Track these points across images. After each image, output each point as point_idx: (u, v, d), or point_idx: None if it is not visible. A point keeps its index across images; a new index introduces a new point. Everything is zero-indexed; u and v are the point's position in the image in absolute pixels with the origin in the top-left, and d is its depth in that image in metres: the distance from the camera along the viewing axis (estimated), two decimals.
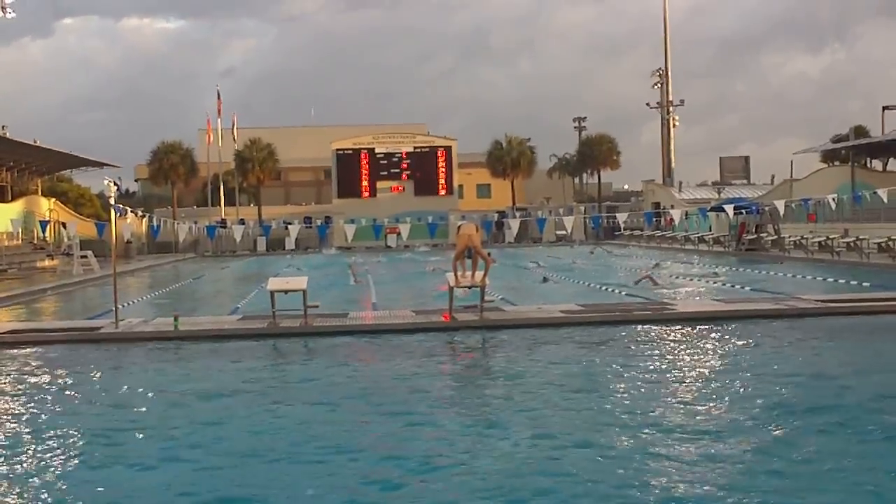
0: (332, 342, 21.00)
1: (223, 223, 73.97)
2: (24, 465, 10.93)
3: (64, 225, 60.15)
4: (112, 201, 25.65)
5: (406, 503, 9.22)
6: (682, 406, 13.08)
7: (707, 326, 21.74)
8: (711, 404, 13.17)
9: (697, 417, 12.33)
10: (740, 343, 19.38)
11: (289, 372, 17.57)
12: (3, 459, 11.14)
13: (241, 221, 74.37)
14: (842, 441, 11.10)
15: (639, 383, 14.85)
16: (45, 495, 9.70)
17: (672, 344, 19.45)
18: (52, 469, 10.73)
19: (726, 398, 13.59)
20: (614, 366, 16.67)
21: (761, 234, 54.40)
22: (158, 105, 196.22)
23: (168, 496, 9.68)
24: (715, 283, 34.18)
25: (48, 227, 59.93)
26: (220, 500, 9.51)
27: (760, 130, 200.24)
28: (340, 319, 24.07)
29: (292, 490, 9.73)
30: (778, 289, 29.85)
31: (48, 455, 11.32)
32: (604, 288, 32.87)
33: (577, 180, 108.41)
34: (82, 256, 49.25)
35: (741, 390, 14.18)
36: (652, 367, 16.42)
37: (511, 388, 14.75)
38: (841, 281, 32.29)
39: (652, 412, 12.64)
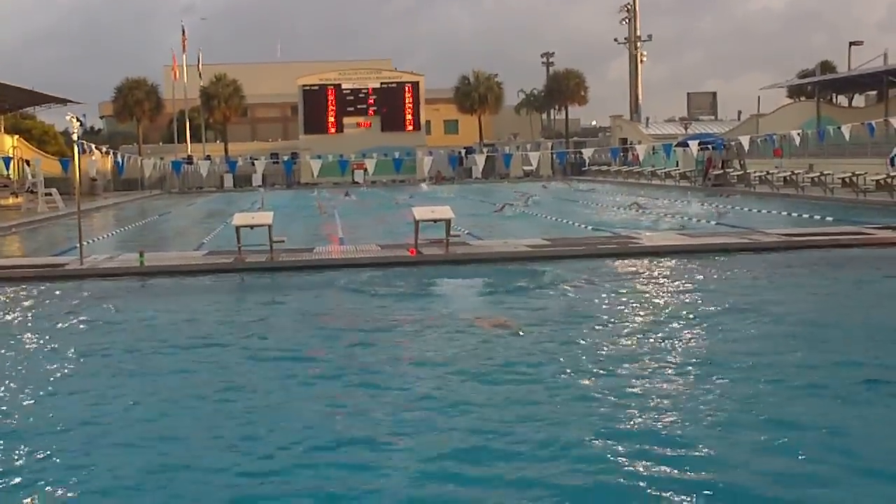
0: (297, 277, 21.09)
1: (189, 160, 73.43)
2: None
3: (28, 162, 59.52)
4: (75, 138, 25.42)
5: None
6: (643, 337, 13.24)
7: (671, 260, 21.92)
8: (673, 336, 13.35)
9: (659, 345, 12.52)
10: (701, 276, 19.58)
11: (251, 306, 17.62)
12: None
13: (208, 158, 73.91)
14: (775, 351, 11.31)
15: (604, 316, 14.98)
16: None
17: (636, 276, 19.62)
18: (15, 396, 10.79)
19: (686, 330, 13.80)
20: (580, 298, 16.81)
21: (727, 170, 54.64)
22: (123, 42, 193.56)
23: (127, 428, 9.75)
24: (681, 217, 34.36)
25: (11, 164, 59.21)
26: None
27: (727, 66, 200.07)
28: (306, 254, 24.09)
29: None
30: (743, 223, 30.05)
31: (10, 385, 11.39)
32: (568, 223, 32.98)
33: (544, 116, 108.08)
34: (47, 194, 48.89)
35: (699, 321, 14.37)
36: (616, 299, 16.58)
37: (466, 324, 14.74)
38: (805, 215, 32.53)
39: (615, 345, 12.79)
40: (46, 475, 8.27)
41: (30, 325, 16.12)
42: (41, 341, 14.52)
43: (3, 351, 13.78)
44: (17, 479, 8.17)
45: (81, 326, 15.80)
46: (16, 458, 8.77)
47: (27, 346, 14.15)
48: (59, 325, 16.06)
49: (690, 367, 11.38)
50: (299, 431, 9.34)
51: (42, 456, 8.80)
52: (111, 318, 16.56)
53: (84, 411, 10.36)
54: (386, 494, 7.63)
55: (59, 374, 12.15)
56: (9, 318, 16.83)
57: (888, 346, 12.67)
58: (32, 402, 10.81)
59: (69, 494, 7.84)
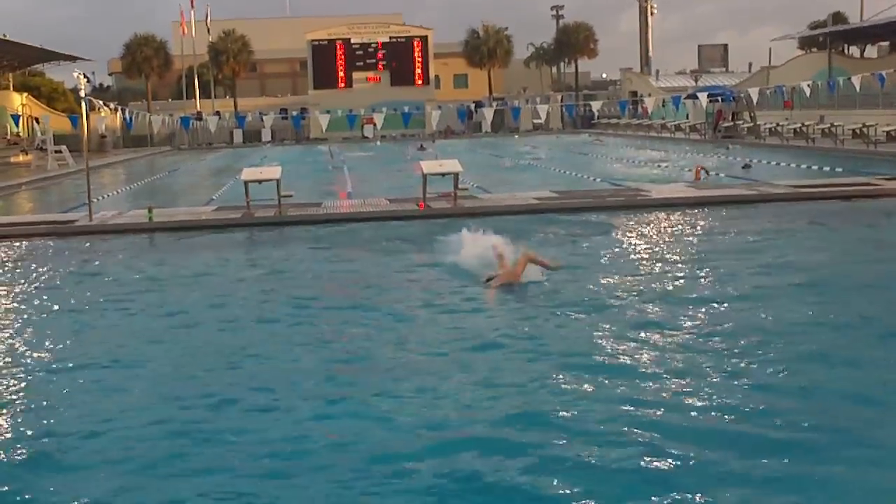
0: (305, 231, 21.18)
1: (199, 116, 73.36)
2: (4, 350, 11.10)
3: (37, 120, 59.62)
4: (83, 94, 25.43)
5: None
6: (655, 284, 13.29)
7: (680, 212, 21.94)
8: (683, 282, 13.42)
9: (671, 291, 12.57)
10: (708, 227, 19.63)
11: (260, 260, 17.70)
12: None
13: (217, 114, 73.79)
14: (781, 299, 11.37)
15: (614, 268, 15.02)
16: (24, 374, 9.90)
17: (642, 227, 19.67)
18: (27, 348, 10.91)
19: (694, 277, 13.86)
20: (588, 248, 16.86)
21: (737, 122, 54.42)
22: None
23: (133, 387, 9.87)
24: (690, 169, 34.28)
25: (20, 121, 59.23)
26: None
27: (740, 18, 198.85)
28: (314, 209, 24.15)
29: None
30: (752, 175, 30.00)
31: (25, 337, 11.52)
32: (578, 175, 32.97)
33: (554, 69, 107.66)
34: (56, 151, 48.90)
35: (706, 271, 14.43)
36: (626, 251, 16.64)
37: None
38: (815, 167, 32.45)
39: (631, 293, 12.84)
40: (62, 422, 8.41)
41: (40, 280, 16.22)
42: (51, 296, 14.61)
43: (16, 305, 13.92)
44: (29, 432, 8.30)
45: (90, 281, 15.90)
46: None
47: (37, 302, 14.24)
48: (69, 280, 16.16)
49: (691, 312, 11.45)
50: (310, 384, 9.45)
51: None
52: (120, 273, 16.66)
53: (97, 362, 10.48)
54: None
55: (70, 328, 12.28)
56: (21, 273, 16.95)
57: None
58: (45, 354, 10.92)
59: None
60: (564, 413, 8.15)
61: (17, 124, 57.93)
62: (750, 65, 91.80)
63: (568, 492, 6.66)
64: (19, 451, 7.80)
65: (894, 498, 6.64)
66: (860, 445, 7.39)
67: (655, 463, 7.03)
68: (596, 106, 49.58)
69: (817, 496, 6.55)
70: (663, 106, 60.63)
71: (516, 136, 71.48)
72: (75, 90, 70.08)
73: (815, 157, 37.38)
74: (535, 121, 75.77)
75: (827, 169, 31.30)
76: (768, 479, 6.76)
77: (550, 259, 14.29)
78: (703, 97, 46.76)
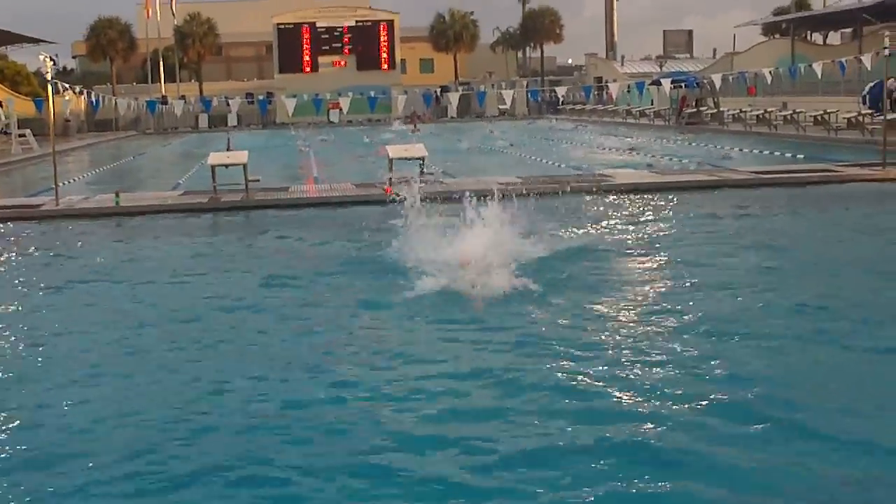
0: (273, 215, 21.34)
1: (164, 100, 72.95)
2: None
3: (0, 103, 59.10)
4: (49, 77, 25.39)
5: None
6: (617, 267, 13.57)
7: (642, 197, 22.25)
8: (640, 264, 13.71)
9: (632, 275, 12.87)
10: (671, 212, 19.91)
11: (227, 245, 17.84)
12: None
13: (182, 98, 73.42)
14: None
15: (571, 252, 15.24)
16: None
17: (606, 212, 19.95)
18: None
19: (650, 259, 14.15)
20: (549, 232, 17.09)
21: (701, 108, 54.85)
22: None
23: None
24: (654, 155, 34.63)
25: None
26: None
27: (705, 2, 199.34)
28: (281, 193, 24.30)
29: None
30: (715, 161, 30.36)
31: None
32: (546, 161, 33.25)
33: (520, 54, 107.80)
34: (20, 135, 48.62)
35: (664, 253, 14.72)
36: (588, 233, 16.90)
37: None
38: (776, 153, 32.86)
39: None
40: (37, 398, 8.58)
41: (8, 264, 16.31)
42: (18, 279, 14.73)
43: None
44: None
45: (57, 265, 16.03)
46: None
47: (5, 284, 14.36)
48: (36, 264, 16.28)
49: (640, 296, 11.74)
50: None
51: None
52: (88, 256, 16.78)
53: (69, 344, 10.64)
54: None
55: (40, 309, 12.43)
56: None
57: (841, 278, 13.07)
58: (13, 337, 11.07)
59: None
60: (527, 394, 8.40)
61: None
62: (714, 51, 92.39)
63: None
64: None
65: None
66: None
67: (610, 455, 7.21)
68: (561, 91, 49.78)
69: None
70: (628, 92, 60.99)
71: (482, 121, 71.59)
72: (39, 73, 69.63)
73: (778, 143, 37.82)
74: (501, 106, 75.94)
75: (789, 155, 31.71)
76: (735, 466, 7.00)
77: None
78: (666, 83, 47.13)
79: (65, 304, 12.88)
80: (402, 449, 7.29)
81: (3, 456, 7.41)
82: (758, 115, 47.72)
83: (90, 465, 7.16)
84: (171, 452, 7.36)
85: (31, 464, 7.25)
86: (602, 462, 6.92)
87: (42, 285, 14.19)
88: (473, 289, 11.89)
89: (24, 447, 7.55)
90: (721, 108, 52.59)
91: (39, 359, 10.18)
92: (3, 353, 10.44)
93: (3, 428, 7.99)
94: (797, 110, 44.20)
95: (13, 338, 11.06)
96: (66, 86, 31.40)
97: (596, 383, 8.58)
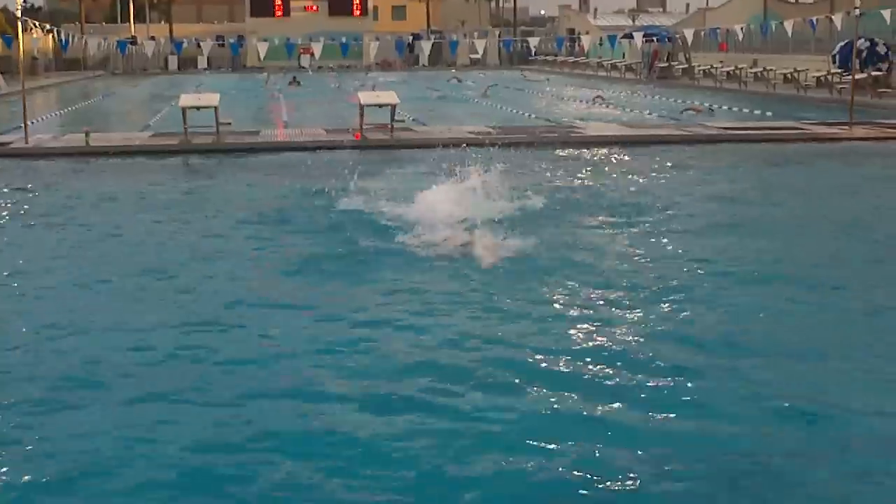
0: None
1: (134, 40, 72.26)
2: None
3: None
4: (18, 14, 25.23)
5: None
6: (583, 218, 13.74)
7: (610, 150, 22.43)
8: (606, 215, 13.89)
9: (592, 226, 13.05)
10: (636, 164, 20.11)
11: (195, 186, 17.91)
12: None
13: (152, 39, 72.73)
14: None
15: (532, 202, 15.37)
16: None
17: (572, 164, 20.12)
18: None
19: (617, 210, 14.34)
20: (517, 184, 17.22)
21: (672, 63, 54.94)
22: None
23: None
24: (624, 108, 34.80)
25: None
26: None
27: None
28: (252, 137, 24.31)
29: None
30: (684, 117, 30.58)
31: None
32: (515, 111, 33.35)
33: (493, 4, 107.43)
34: None
35: (626, 201, 14.92)
36: (554, 185, 17.05)
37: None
38: (745, 109, 33.09)
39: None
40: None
41: None
42: None
43: None
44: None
45: (26, 203, 16.06)
46: None
47: None
48: (4, 201, 16.31)
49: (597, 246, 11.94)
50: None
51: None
52: (56, 195, 16.82)
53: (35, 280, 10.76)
54: None
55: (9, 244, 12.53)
56: None
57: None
58: None
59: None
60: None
61: None
62: (687, 5, 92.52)
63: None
64: None
65: None
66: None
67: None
68: (533, 42, 49.83)
69: None
70: (600, 45, 60.97)
71: (453, 70, 71.27)
72: (6, 10, 68.89)
73: (748, 100, 38.01)
74: (473, 56, 75.76)
75: (758, 112, 31.95)
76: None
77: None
78: (638, 37, 47.19)
79: (31, 242, 12.95)
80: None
81: None
82: (728, 72, 47.88)
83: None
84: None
85: None
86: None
87: (10, 222, 14.26)
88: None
89: None
90: (692, 64, 52.70)
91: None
92: None
93: None
94: (767, 68, 44.38)
95: None
96: (35, 24, 31.26)
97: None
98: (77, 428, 6.77)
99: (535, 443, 6.40)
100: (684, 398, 7.20)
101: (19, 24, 25.64)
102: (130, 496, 5.74)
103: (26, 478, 5.97)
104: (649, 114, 32.17)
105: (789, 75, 42.04)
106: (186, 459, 6.22)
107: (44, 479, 5.97)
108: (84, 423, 6.85)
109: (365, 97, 24.48)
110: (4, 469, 6.07)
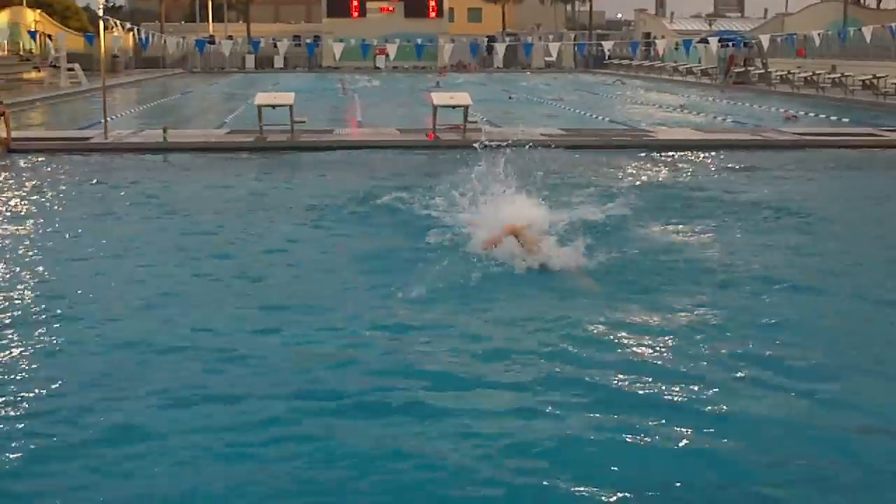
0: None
1: (212, 39, 73.29)
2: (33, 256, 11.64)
3: (50, 37, 59.58)
4: (101, 13, 25.76)
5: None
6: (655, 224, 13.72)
7: (683, 154, 22.34)
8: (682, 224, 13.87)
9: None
10: (711, 168, 20.02)
11: (272, 184, 18.15)
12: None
13: (230, 38, 73.71)
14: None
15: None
16: (48, 276, 10.45)
17: (646, 167, 20.08)
18: (61, 252, 11.46)
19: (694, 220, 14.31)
20: (593, 186, 17.23)
21: (749, 68, 54.47)
22: None
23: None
24: (698, 113, 34.59)
25: (37, 38, 59.30)
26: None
27: None
28: (326, 135, 24.57)
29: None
30: (759, 121, 30.31)
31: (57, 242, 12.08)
32: (589, 115, 33.33)
33: (568, 7, 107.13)
34: (69, 69, 49.04)
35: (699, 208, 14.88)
36: (631, 189, 17.03)
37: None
38: (822, 115, 32.74)
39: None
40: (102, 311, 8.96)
41: (61, 194, 16.72)
42: (69, 210, 15.15)
43: (43, 220, 14.44)
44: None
45: (106, 196, 16.43)
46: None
47: (62, 215, 14.78)
48: (85, 194, 16.70)
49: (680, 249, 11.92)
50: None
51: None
52: (135, 189, 17.17)
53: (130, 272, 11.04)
54: None
55: (84, 239, 12.83)
56: (43, 186, 17.46)
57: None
58: (79, 258, 11.47)
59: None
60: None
61: (33, 40, 58.05)
62: (766, 10, 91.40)
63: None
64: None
65: None
66: None
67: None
68: (607, 46, 49.68)
69: None
70: (676, 49, 60.63)
71: (528, 73, 71.22)
72: (89, 8, 70.14)
73: (825, 106, 37.60)
74: (547, 58, 75.62)
75: (834, 118, 31.59)
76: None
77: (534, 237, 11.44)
78: (713, 42, 46.83)
79: (111, 234, 13.24)
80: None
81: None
82: (805, 77, 47.37)
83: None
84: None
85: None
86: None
87: (91, 215, 14.61)
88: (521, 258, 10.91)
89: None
90: (769, 69, 52.20)
91: (81, 284, 10.57)
92: (51, 276, 10.85)
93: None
94: (846, 73, 43.85)
95: (59, 263, 11.48)
96: (117, 22, 31.87)
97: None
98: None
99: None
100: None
101: (101, 22, 26.12)
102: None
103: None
104: (723, 119, 31.91)
105: (868, 81, 41.49)
106: None
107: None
108: None
109: (438, 98, 24.64)
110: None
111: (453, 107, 24.23)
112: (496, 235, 11.24)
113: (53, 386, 7.43)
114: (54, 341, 8.53)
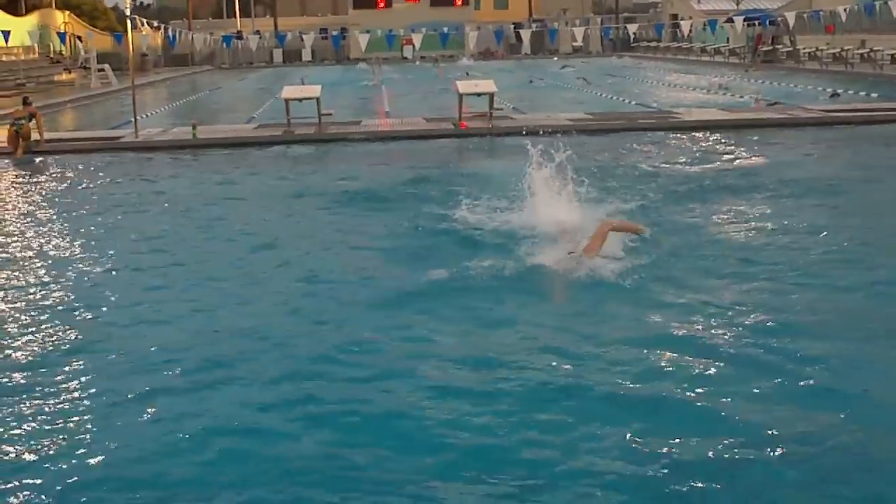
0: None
1: (239, 35, 73.60)
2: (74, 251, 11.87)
3: (79, 38, 60.05)
4: (128, 12, 26.01)
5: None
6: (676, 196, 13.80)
7: (709, 134, 22.36)
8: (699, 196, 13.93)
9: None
10: (735, 148, 20.05)
11: (302, 177, 18.34)
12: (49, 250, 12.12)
13: (257, 33, 73.96)
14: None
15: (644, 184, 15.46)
16: (78, 270, 10.67)
17: (672, 148, 20.13)
18: (98, 244, 11.69)
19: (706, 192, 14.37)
20: (619, 167, 17.30)
21: (777, 46, 54.14)
22: None
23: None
24: (726, 93, 34.49)
25: (66, 39, 59.76)
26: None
27: None
28: (353, 127, 24.75)
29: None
30: (789, 99, 30.20)
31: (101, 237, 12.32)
32: (616, 98, 33.34)
33: None
34: (100, 70, 49.42)
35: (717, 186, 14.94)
36: (658, 170, 17.12)
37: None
38: (850, 91, 32.57)
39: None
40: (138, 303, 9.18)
41: (92, 193, 17.00)
42: (104, 207, 15.41)
43: (79, 214, 14.73)
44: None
45: (137, 194, 16.68)
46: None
47: (99, 211, 15.05)
48: (117, 192, 16.96)
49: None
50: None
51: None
52: (166, 186, 17.43)
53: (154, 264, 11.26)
54: None
55: (118, 233, 13.08)
56: (77, 185, 17.78)
57: None
58: (117, 254, 11.71)
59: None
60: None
61: (62, 41, 58.57)
62: None
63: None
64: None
65: None
66: None
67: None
68: (632, 29, 49.53)
69: None
70: (704, 29, 60.27)
71: (555, 59, 71.04)
72: (116, 8, 70.56)
73: (853, 82, 37.36)
74: (574, 43, 75.37)
75: (863, 94, 31.43)
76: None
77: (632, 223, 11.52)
78: (738, 21, 46.56)
79: (145, 228, 13.47)
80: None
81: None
82: (834, 54, 47.05)
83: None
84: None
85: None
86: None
87: (124, 212, 14.86)
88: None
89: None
90: (797, 47, 51.86)
91: (123, 272, 10.82)
92: (86, 273, 11.07)
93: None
94: (875, 48, 43.52)
95: (92, 258, 11.70)
96: (144, 21, 32.14)
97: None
98: None
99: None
100: None
101: (129, 22, 26.38)
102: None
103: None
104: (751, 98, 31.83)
105: None
106: None
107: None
108: None
109: (463, 86, 24.75)
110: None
111: (478, 94, 24.34)
112: (597, 238, 10.25)
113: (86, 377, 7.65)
114: (95, 340, 8.70)
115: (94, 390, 7.39)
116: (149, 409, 6.97)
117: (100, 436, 6.56)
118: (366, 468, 6.01)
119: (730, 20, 51.63)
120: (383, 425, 6.61)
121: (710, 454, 6.03)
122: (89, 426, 6.73)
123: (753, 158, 18.82)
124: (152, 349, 8.29)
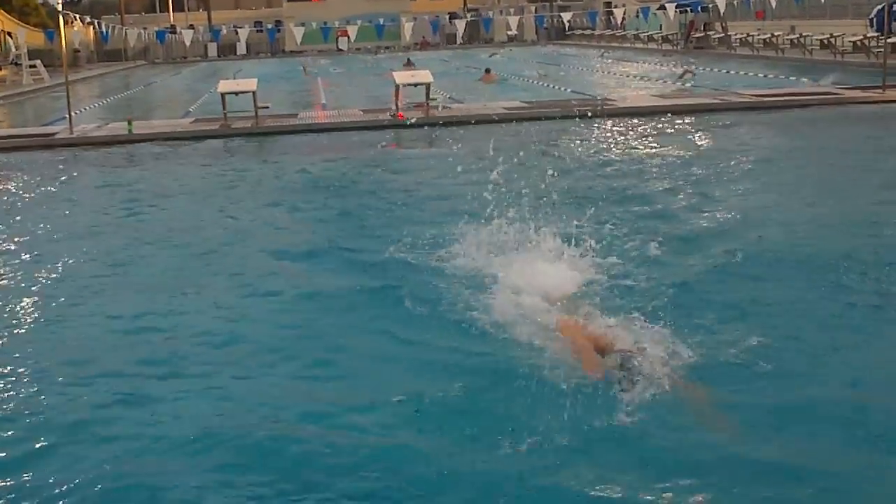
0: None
1: (173, 29, 72.94)
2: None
3: (10, 34, 59.16)
4: (60, 7, 25.73)
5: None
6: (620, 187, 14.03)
7: (643, 121, 22.65)
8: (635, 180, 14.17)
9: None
10: (669, 133, 20.36)
11: (239, 170, 18.35)
12: None
13: (191, 27, 73.33)
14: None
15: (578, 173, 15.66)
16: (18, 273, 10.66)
17: (606, 135, 20.39)
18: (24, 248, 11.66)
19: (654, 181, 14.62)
20: (555, 155, 17.50)
21: (709, 33, 54.78)
22: None
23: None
24: (658, 80, 34.90)
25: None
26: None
27: None
28: (290, 119, 24.75)
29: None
30: (719, 85, 30.62)
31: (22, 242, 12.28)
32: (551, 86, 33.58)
33: None
34: (31, 66, 48.81)
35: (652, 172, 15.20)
36: (590, 155, 17.35)
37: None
38: (781, 76, 33.10)
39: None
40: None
41: (28, 191, 16.88)
42: (40, 205, 15.33)
43: (11, 214, 14.63)
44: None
45: (74, 190, 16.60)
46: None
47: (33, 210, 14.96)
48: (53, 190, 16.86)
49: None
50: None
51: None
52: (102, 182, 17.36)
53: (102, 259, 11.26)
54: None
55: (54, 232, 13.03)
56: (12, 184, 17.62)
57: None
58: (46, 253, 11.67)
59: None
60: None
61: None
62: None
63: None
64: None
65: None
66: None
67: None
68: (566, 17, 49.87)
69: None
70: (637, 17, 60.80)
71: (490, 48, 71.16)
72: (47, 4, 69.46)
73: (784, 67, 37.98)
74: (509, 32, 75.56)
75: (793, 78, 31.97)
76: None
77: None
78: (671, 8, 46.99)
79: (81, 224, 13.45)
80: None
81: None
82: (765, 40, 47.69)
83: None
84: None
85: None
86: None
87: (62, 210, 14.80)
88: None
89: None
90: (729, 33, 52.52)
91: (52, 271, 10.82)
92: (22, 271, 11.06)
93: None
94: (804, 34, 44.19)
95: (31, 255, 11.70)
96: (76, 16, 31.81)
97: None
98: None
99: None
100: None
101: (61, 17, 26.10)
102: None
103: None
104: (683, 84, 32.25)
105: (826, 41, 41.85)
106: None
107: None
108: None
109: (400, 77, 24.84)
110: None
111: (415, 84, 24.44)
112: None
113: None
114: (25, 332, 8.77)
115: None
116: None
117: None
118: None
119: (662, 7, 52.01)
120: None
121: None
122: None
123: (687, 141, 19.18)
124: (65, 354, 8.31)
